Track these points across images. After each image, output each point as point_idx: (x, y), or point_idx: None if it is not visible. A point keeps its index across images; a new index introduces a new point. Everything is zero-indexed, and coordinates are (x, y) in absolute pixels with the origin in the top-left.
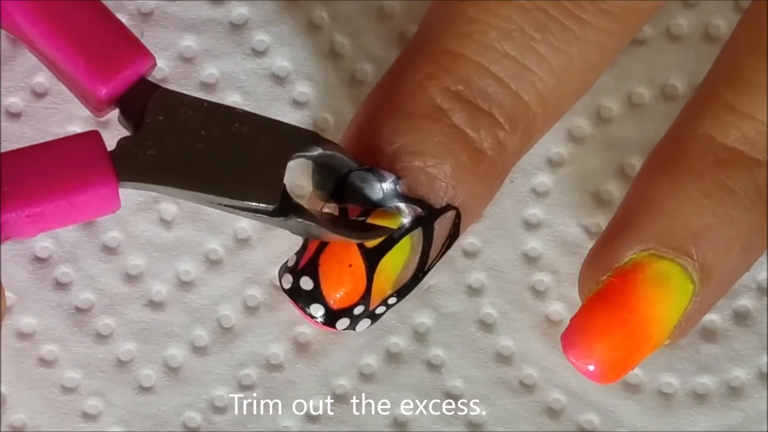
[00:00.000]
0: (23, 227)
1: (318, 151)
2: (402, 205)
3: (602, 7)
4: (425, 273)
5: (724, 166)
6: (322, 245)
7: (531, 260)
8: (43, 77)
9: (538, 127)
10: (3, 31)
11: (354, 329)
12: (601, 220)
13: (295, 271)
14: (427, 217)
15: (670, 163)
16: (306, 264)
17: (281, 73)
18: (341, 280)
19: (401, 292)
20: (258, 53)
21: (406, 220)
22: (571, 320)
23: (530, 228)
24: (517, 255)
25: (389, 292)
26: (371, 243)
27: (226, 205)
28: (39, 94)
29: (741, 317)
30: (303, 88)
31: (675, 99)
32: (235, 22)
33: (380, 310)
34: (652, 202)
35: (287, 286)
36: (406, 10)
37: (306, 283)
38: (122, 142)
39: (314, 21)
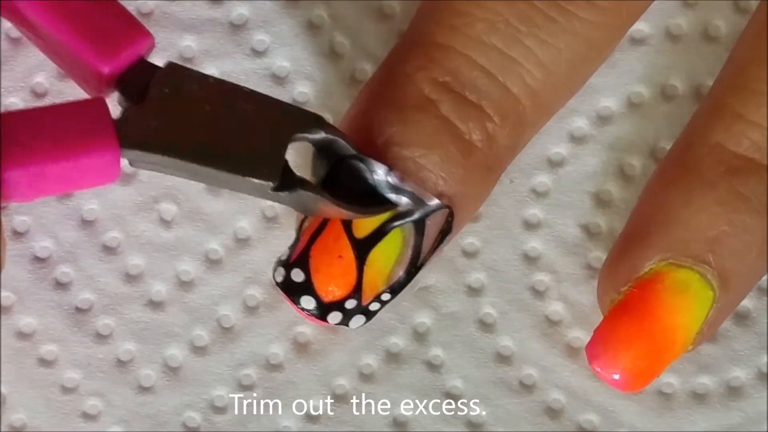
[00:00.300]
0: (23, 188)
1: (320, 135)
2: (393, 197)
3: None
4: (418, 269)
5: (736, 174)
6: (314, 237)
7: (531, 260)
8: (43, 77)
9: (530, 121)
10: (3, 31)
11: (347, 325)
12: (601, 221)
13: (287, 264)
14: (417, 209)
15: (683, 173)
16: (298, 256)
17: (281, 73)
18: (331, 272)
19: (394, 289)
20: (258, 53)
21: (401, 209)
22: (595, 331)
23: (530, 228)
24: (516, 255)
25: (382, 287)
26: (361, 234)
27: (226, 181)
28: (39, 94)
29: (741, 317)
30: (303, 88)
31: (674, 99)
32: (235, 22)
33: (374, 306)
34: (668, 212)
35: (279, 279)
36: (406, 10)
37: (297, 276)
38: (127, 112)
39: (314, 21)
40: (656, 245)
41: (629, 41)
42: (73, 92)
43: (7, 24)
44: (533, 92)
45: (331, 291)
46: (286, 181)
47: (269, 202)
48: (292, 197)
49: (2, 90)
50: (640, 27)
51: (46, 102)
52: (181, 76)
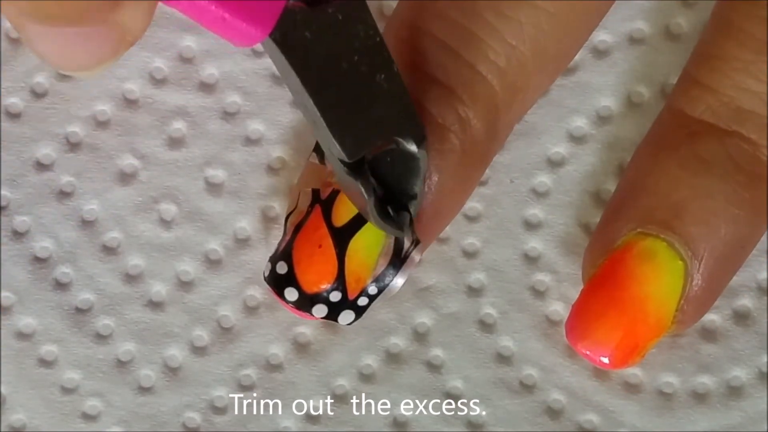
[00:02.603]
0: None
1: (411, 149)
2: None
3: None
4: (402, 261)
5: (696, 138)
6: (298, 229)
7: (531, 260)
8: (43, 77)
9: (503, 102)
10: (3, 31)
11: (336, 320)
12: None
13: (274, 257)
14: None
15: (650, 142)
16: (283, 249)
17: None
18: (312, 261)
19: (380, 280)
20: (258, 53)
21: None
22: (571, 307)
23: (530, 228)
24: (517, 255)
25: (368, 280)
26: (339, 222)
27: (316, 126)
28: (39, 94)
29: (741, 317)
30: None
31: None
32: None
33: (363, 301)
34: (637, 182)
35: (266, 273)
36: None
37: (281, 268)
38: (295, 8)
39: None
40: (627, 215)
41: (629, 40)
42: (74, 92)
43: (7, 24)
44: (499, 69)
45: (313, 281)
46: (358, 166)
47: (269, 202)
48: (347, 177)
49: (2, 90)
50: (640, 26)
51: (45, 102)
52: (357, 14)
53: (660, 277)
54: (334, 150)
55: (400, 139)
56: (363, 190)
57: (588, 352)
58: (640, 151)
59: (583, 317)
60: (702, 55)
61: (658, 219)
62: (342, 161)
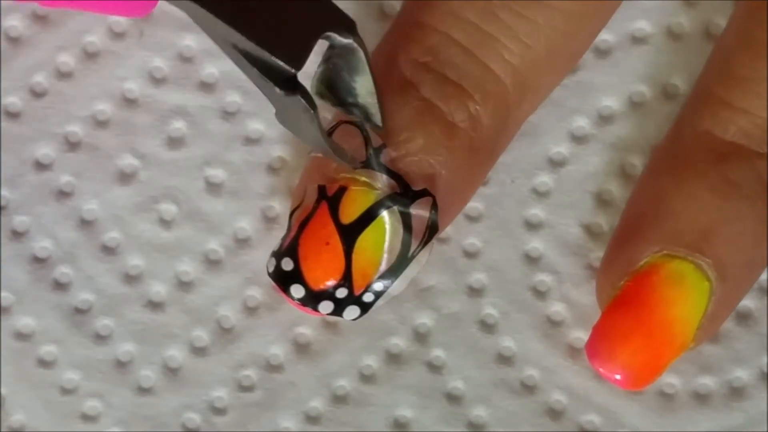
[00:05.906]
0: None
1: (348, 40)
2: (380, 175)
3: None
4: (409, 260)
5: (725, 161)
6: (303, 225)
7: (532, 260)
8: (42, 77)
9: (514, 100)
10: (3, 31)
11: (341, 316)
12: (603, 221)
13: (278, 253)
14: (403, 195)
15: (673, 163)
16: (288, 245)
17: None
18: (319, 259)
19: (385, 277)
20: None
21: (379, 191)
22: (593, 328)
23: (531, 228)
24: (518, 255)
25: (373, 276)
26: (347, 219)
27: (247, 56)
28: (38, 94)
29: (742, 318)
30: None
31: (676, 98)
32: None
33: (368, 298)
34: (661, 203)
35: (271, 269)
36: None
37: (287, 264)
38: None
39: None
40: (650, 237)
41: (630, 40)
42: (74, 92)
43: (7, 23)
44: (513, 68)
45: (320, 278)
46: (296, 83)
47: (269, 202)
48: (290, 100)
49: (2, 90)
50: (642, 26)
51: (45, 102)
52: None
53: (687, 299)
54: (273, 76)
55: (333, 34)
56: (305, 102)
57: (612, 374)
58: (659, 171)
59: (607, 340)
60: (729, 75)
61: (686, 242)
62: (279, 85)
